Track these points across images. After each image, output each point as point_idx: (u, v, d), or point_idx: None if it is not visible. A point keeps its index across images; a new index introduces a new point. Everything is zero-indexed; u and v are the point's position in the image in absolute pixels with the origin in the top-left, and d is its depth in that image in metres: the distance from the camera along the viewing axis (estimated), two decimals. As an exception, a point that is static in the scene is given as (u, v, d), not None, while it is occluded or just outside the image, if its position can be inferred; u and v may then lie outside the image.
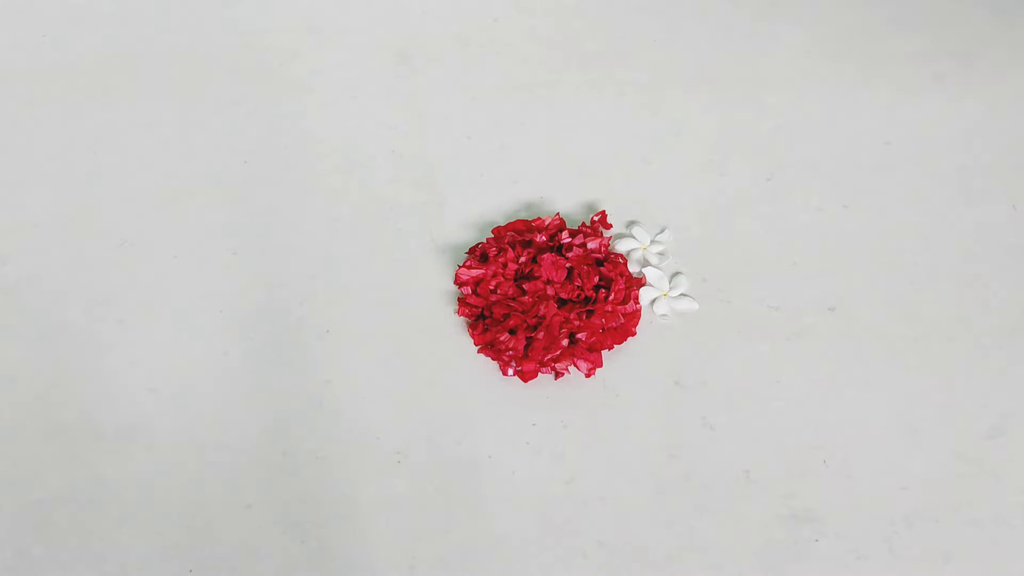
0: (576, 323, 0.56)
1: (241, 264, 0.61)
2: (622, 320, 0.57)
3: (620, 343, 0.57)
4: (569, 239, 0.59)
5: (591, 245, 0.59)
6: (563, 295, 0.57)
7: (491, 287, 0.58)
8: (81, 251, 0.62)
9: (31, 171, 0.66)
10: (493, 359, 0.56)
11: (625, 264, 0.59)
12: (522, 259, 0.58)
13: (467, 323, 0.58)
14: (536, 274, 0.58)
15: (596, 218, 0.61)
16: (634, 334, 0.57)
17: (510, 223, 0.61)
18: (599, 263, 0.59)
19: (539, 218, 0.61)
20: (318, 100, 0.70)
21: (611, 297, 0.57)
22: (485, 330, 0.57)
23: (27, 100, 0.70)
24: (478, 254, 0.60)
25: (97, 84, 0.71)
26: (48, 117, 0.69)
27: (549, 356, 0.55)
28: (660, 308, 0.58)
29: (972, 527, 0.50)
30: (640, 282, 0.59)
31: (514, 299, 0.57)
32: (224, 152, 0.67)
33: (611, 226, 0.61)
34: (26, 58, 0.73)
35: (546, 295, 0.57)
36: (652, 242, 0.61)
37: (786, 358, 0.56)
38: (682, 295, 0.58)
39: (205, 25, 0.75)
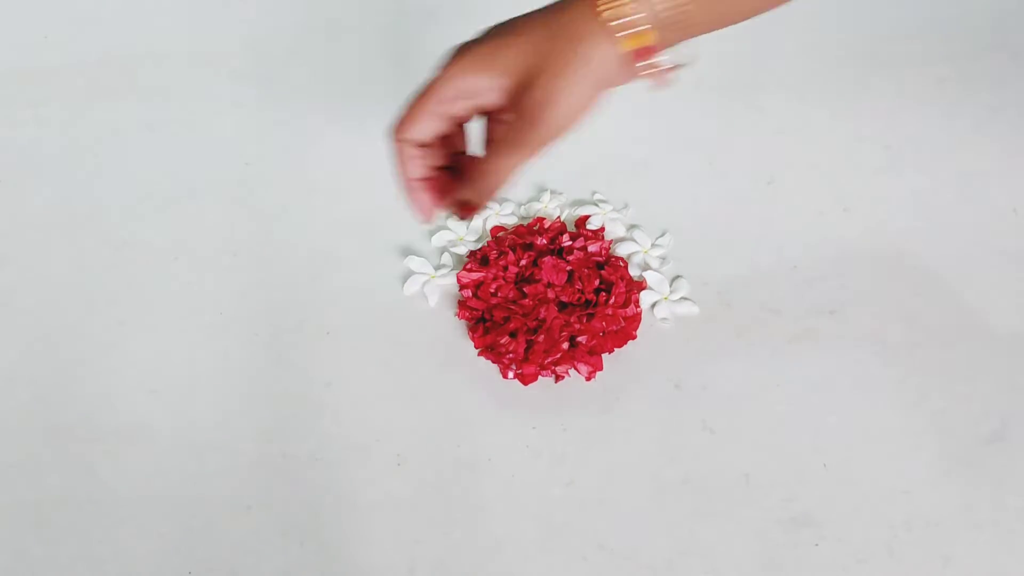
0: (576, 326, 0.56)
1: (241, 265, 0.61)
2: (622, 323, 0.57)
3: (620, 346, 0.57)
4: (570, 242, 0.59)
5: (592, 248, 0.59)
6: (564, 298, 0.57)
7: (491, 290, 0.58)
8: (82, 252, 0.62)
9: (32, 172, 0.66)
10: (493, 362, 0.56)
11: (626, 267, 0.59)
12: (523, 262, 0.58)
13: (467, 326, 0.58)
14: (537, 277, 0.58)
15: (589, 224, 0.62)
16: (634, 337, 0.57)
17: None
18: (600, 266, 0.59)
19: (539, 217, 0.61)
20: (318, 101, 0.70)
21: (612, 300, 0.57)
22: (485, 333, 0.57)
23: (28, 101, 0.70)
24: (479, 257, 0.60)
25: (98, 85, 0.71)
26: (49, 118, 0.69)
27: (549, 359, 0.55)
28: (660, 312, 0.58)
29: (972, 531, 0.50)
30: (641, 286, 0.59)
31: (514, 302, 0.57)
32: (225, 154, 0.67)
33: (602, 229, 0.61)
34: (27, 59, 0.73)
35: (546, 298, 0.57)
36: (653, 245, 0.61)
37: (786, 362, 0.56)
38: (683, 299, 0.58)
39: (206, 26, 0.75)
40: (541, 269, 0.58)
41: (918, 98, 0.69)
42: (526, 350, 0.55)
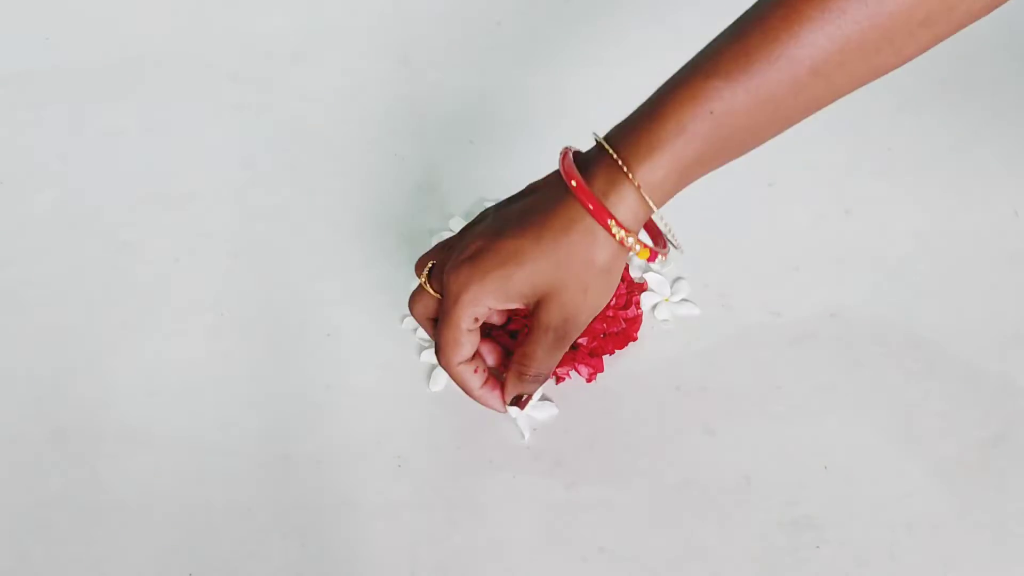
0: (577, 328, 0.56)
1: (242, 267, 0.61)
2: (623, 325, 0.57)
3: (621, 348, 0.57)
4: (570, 244, 0.59)
5: (592, 250, 0.59)
6: (564, 300, 0.57)
7: (492, 291, 0.58)
8: (82, 254, 0.62)
9: (32, 173, 0.66)
10: (494, 364, 0.56)
11: (627, 269, 0.59)
12: (523, 264, 0.58)
13: (468, 327, 0.58)
14: (537, 279, 0.58)
15: None
16: (635, 339, 0.57)
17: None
18: (600, 268, 0.59)
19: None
20: (320, 103, 0.70)
21: (612, 302, 0.56)
22: (486, 334, 0.56)
23: (29, 102, 0.70)
24: (479, 258, 0.60)
25: (99, 86, 0.71)
26: (50, 119, 0.69)
27: (550, 361, 0.55)
28: (661, 313, 0.58)
29: (973, 535, 0.50)
30: (642, 287, 0.59)
31: (515, 303, 0.57)
32: (226, 155, 0.67)
33: None
34: (28, 60, 0.73)
35: (547, 300, 0.57)
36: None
37: (787, 364, 0.56)
38: (684, 300, 0.58)
39: (207, 28, 0.75)
40: (542, 271, 0.58)
41: (919, 100, 0.68)
42: (526, 352, 0.55)
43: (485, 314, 0.47)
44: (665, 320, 0.58)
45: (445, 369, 0.50)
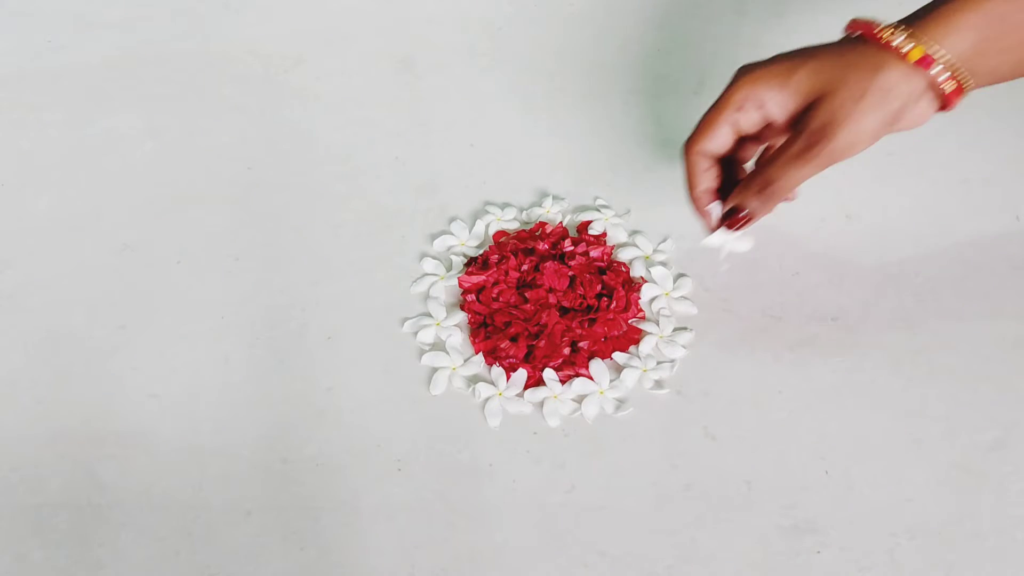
0: (578, 331, 0.56)
1: (243, 270, 0.61)
2: (624, 328, 0.57)
3: (623, 351, 0.56)
4: (572, 247, 0.59)
5: (593, 253, 0.59)
6: (565, 303, 0.57)
7: (493, 295, 0.58)
8: (83, 256, 0.62)
9: (33, 175, 0.66)
10: (495, 367, 0.56)
11: (628, 273, 0.59)
12: (524, 267, 0.58)
13: (469, 330, 0.58)
14: (538, 282, 0.58)
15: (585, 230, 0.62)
16: (637, 343, 0.57)
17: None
18: (601, 271, 0.59)
19: (541, 222, 0.61)
20: (322, 107, 0.70)
21: (613, 305, 0.56)
22: (486, 337, 0.57)
23: (30, 104, 0.70)
24: (480, 261, 0.60)
25: (101, 89, 0.71)
26: (51, 121, 0.69)
27: (551, 364, 0.55)
28: (659, 305, 0.58)
29: (974, 539, 0.50)
30: (640, 286, 0.58)
31: (516, 307, 0.57)
32: (227, 158, 0.67)
33: (604, 235, 0.61)
34: (29, 62, 0.73)
35: (548, 303, 0.57)
36: (655, 251, 0.61)
37: (788, 368, 0.56)
38: (683, 298, 0.58)
39: (209, 30, 0.75)
40: (543, 274, 0.58)
41: (920, 104, 0.68)
42: (527, 355, 0.55)
43: (757, 105, 0.48)
44: (665, 313, 0.57)
45: (685, 154, 0.52)
